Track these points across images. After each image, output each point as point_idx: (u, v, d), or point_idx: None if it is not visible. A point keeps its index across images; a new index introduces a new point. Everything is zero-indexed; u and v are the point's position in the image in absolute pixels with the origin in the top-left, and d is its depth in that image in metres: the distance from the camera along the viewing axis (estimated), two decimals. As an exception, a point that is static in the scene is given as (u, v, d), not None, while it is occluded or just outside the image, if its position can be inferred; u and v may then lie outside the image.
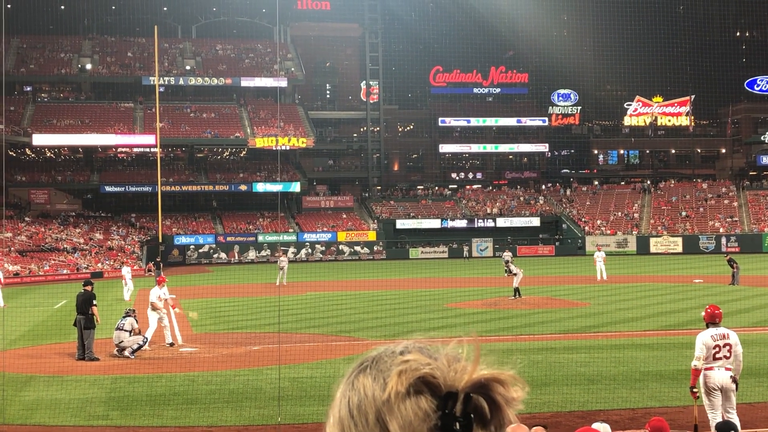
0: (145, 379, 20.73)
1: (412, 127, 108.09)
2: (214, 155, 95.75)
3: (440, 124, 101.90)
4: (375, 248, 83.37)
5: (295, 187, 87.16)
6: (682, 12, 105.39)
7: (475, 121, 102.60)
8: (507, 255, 54.77)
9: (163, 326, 25.81)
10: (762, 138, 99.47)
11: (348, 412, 1.38)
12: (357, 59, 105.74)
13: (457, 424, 1.33)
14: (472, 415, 1.34)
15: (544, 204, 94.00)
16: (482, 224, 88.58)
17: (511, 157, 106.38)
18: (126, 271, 44.86)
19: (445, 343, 1.42)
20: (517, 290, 38.44)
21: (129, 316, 24.29)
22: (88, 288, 24.47)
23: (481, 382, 1.34)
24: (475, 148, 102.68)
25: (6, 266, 59.55)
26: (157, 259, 56.81)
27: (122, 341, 23.94)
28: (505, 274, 51.08)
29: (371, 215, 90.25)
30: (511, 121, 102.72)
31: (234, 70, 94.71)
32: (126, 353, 23.78)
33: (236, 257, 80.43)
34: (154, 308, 25.82)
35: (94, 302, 24.10)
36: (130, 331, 24.00)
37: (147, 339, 24.55)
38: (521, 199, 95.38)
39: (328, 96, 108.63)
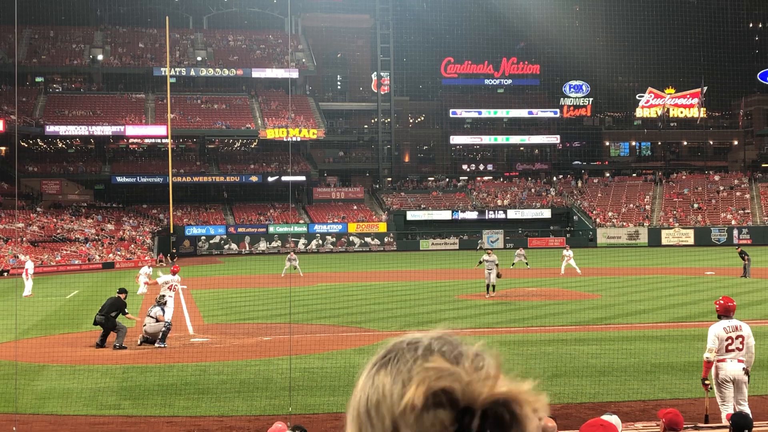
0: (157, 369, 20.80)
1: (423, 118, 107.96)
2: (225, 146, 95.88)
3: (451, 115, 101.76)
4: (385, 239, 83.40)
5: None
6: (695, 2, 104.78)
7: (486, 113, 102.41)
8: (519, 251, 55.96)
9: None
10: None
11: (366, 411, 1.36)
12: (368, 50, 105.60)
13: None
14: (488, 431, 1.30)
15: (555, 196, 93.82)
16: (493, 216, 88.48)
17: (522, 148, 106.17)
18: (144, 271, 40.43)
19: (473, 336, 1.42)
20: (490, 286, 36.29)
21: (159, 304, 24.50)
22: (122, 296, 24.59)
23: (499, 400, 1.30)
24: (486, 139, 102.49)
25: (19, 256, 59.82)
26: (173, 250, 56.95)
27: (145, 326, 24.17)
28: (511, 267, 51.26)
29: (382, 206, 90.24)
30: (522, 113, 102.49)
31: (245, 61, 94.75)
32: (156, 344, 23.88)
33: (247, 248, 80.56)
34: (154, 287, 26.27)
35: (126, 310, 24.26)
36: (155, 319, 24.19)
37: (169, 323, 24.61)
38: (532, 190, 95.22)
39: (339, 87, 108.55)
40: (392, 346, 1.42)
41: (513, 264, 53.41)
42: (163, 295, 25.41)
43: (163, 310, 24.40)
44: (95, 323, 24.18)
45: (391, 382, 1.35)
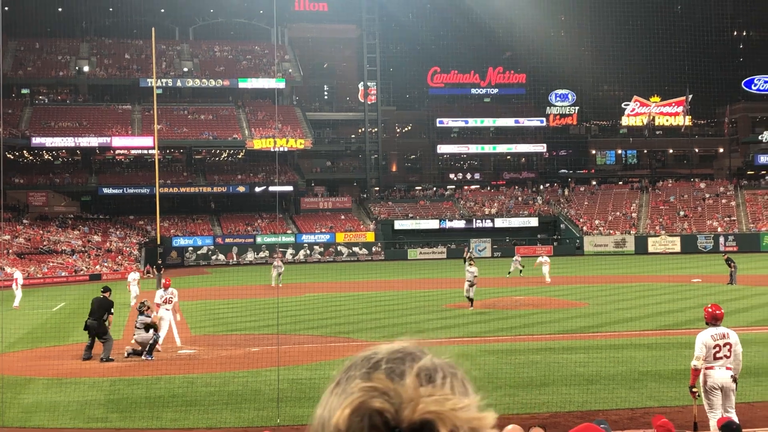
0: (144, 381, 20.72)
1: (410, 128, 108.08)
2: (212, 157, 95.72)
3: (438, 124, 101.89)
4: (373, 249, 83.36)
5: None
6: (680, 11, 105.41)
7: (473, 122, 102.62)
8: (516, 257, 56.19)
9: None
10: (759, 137, 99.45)
11: (315, 430, 1.36)
12: (355, 60, 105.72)
13: None
14: None
15: (542, 204, 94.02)
16: (480, 225, 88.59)
17: (509, 157, 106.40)
18: (132, 277, 41.88)
19: (453, 345, 1.39)
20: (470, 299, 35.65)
21: (142, 313, 24.32)
22: (107, 294, 24.40)
23: (424, 421, 1.26)
24: (473, 148, 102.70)
25: (5, 269, 59.51)
26: (159, 262, 56.68)
27: (134, 336, 24.08)
28: (507, 275, 51.44)
29: (369, 216, 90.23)
30: (508, 122, 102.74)
31: (232, 72, 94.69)
32: (143, 357, 23.71)
33: (234, 259, 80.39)
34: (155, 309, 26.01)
35: (112, 310, 24.10)
36: (144, 329, 24.02)
37: (159, 336, 24.48)
38: (519, 199, 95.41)
39: (326, 97, 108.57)
40: (353, 360, 1.39)
41: (509, 273, 53.43)
42: (144, 302, 25.26)
43: (148, 315, 24.29)
44: (86, 328, 23.96)
45: (336, 402, 1.32)
